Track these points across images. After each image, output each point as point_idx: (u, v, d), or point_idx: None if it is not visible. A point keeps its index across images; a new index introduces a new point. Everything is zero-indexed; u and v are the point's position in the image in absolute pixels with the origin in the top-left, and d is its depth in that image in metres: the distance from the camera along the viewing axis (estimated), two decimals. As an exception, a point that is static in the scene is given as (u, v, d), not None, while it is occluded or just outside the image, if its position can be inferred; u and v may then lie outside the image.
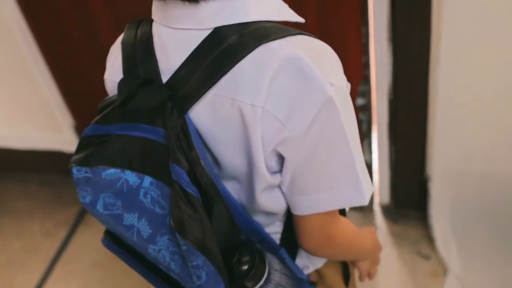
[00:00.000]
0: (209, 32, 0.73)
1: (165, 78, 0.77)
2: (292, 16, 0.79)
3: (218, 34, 0.73)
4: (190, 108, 0.74)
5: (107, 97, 0.83)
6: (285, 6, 0.80)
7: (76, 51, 2.07)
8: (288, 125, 0.71)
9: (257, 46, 0.71)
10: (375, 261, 1.14)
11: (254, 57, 0.71)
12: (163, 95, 0.73)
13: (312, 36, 0.76)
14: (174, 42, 0.76)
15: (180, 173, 0.70)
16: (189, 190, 0.70)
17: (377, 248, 1.11)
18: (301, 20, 0.79)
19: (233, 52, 0.71)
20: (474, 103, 1.68)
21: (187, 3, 0.73)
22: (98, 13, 1.90)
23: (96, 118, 0.80)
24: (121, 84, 0.78)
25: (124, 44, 0.84)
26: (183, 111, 0.74)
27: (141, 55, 0.80)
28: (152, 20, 0.81)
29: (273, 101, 0.70)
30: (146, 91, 0.75)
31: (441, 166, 1.83)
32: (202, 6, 0.72)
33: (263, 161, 0.75)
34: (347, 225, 0.91)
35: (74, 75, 2.16)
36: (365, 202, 0.78)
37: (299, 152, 0.74)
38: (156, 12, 0.79)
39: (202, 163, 0.72)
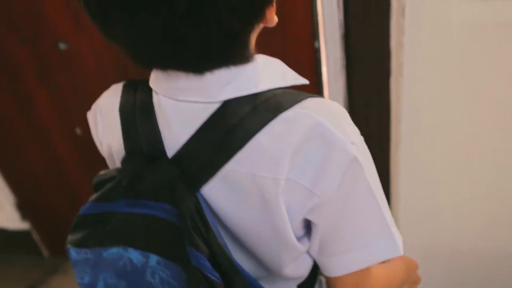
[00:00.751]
0: (217, 105, 0.70)
1: (170, 152, 0.73)
2: (296, 78, 0.77)
3: (229, 108, 0.70)
4: (202, 186, 0.71)
5: (103, 172, 0.79)
6: (288, 69, 0.78)
7: (14, 129, 1.94)
8: (317, 191, 0.70)
9: (272, 119, 0.69)
10: (415, 282, 1.07)
11: (271, 129, 0.69)
12: (172, 174, 0.70)
13: (317, 96, 0.74)
14: (178, 115, 0.73)
15: (200, 258, 0.67)
16: (211, 276, 0.67)
17: (411, 269, 1.04)
18: (305, 81, 0.77)
19: (247, 126, 0.69)
20: (437, 182, 1.61)
21: (191, 75, 0.70)
22: (34, 90, 1.78)
23: (95, 196, 0.76)
24: (126, 162, 0.74)
25: (122, 111, 0.79)
26: (195, 188, 0.71)
27: (143, 126, 0.76)
28: (148, 85, 0.78)
29: (297, 171, 0.69)
30: (154, 169, 0.71)
31: (407, 246, 1.73)
32: (208, 78, 0.70)
33: (291, 232, 0.73)
34: (378, 272, 0.85)
35: (13, 153, 2.03)
36: (401, 252, 0.76)
37: (329, 215, 0.73)
38: (157, 82, 0.75)
39: (220, 242, 0.70)
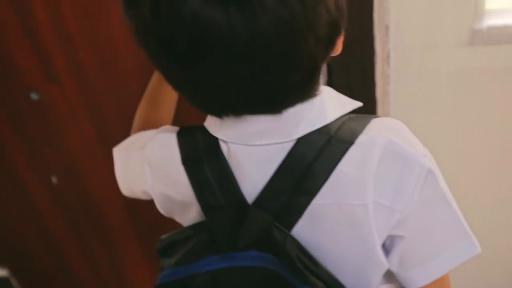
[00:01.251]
0: (292, 143, 0.71)
1: (249, 198, 0.73)
2: (352, 103, 0.78)
3: (305, 143, 0.71)
4: (294, 226, 0.72)
5: (168, 235, 0.78)
6: (341, 95, 0.79)
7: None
8: (398, 207, 0.71)
9: (349, 147, 0.70)
10: None
11: (350, 157, 0.70)
12: (267, 221, 0.70)
13: (377, 116, 0.76)
14: (253, 160, 0.73)
15: None
16: None
17: None
18: (359, 104, 0.78)
19: (327, 158, 0.70)
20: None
21: (268, 117, 0.70)
22: (6, 140, 1.70)
23: (174, 260, 0.74)
24: (213, 217, 0.72)
25: (188, 163, 0.78)
26: (288, 229, 0.72)
27: (216, 177, 0.75)
28: (207, 133, 0.77)
29: (380, 192, 0.70)
30: (248, 220, 0.70)
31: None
32: (285, 117, 0.70)
33: (380, 252, 0.74)
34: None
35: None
36: (479, 250, 0.78)
37: (411, 228, 0.74)
38: (223, 130, 0.74)
39: (328, 271, 0.71)
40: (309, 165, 0.70)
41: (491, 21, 1.39)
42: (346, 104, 0.78)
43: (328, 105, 0.74)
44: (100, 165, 1.72)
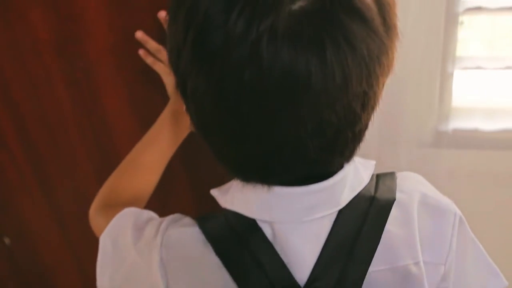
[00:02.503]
0: (335, 212, 0.67)
1: (300, 279, 0.66)
2: (367, 160, 0.74)
3: (350, 210, 0.67)
4: None
5: None
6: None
7: None
8: (441, 261, 0.70)
9: (391, 207, 0.68)
10: None
11: (394, 216, 0.68)
12: None
13: (394, 171, 0.75)
14: (302, 237, 0.66)
15: None
16: None
17: None
18: (373, 162, 0.75)
19: (374, 222, 0.67)
20: None
21: (320, 187, 0.64)
22: None
23: None
24: None
25: (223, 254, 0.67)
26: None
27: (261, 266, 0.66)
28: (236, 215, 0.68)
29: (425, 247, 0.69)
30: None
31: None
32: (333, 184, 0.65)
33: None
34: None
35: None
36: (507, 283, 0.77)
37: (452, 278, 0.72)
38: (264, 208, 0.66)
39: None
40: (358, 231, 0.66)
41: (457, 124, 1.31)
42: (365, 163, 0.74)
43: (358, 165, 0.71)
44: (49, 229, 1.67)
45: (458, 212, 0.72)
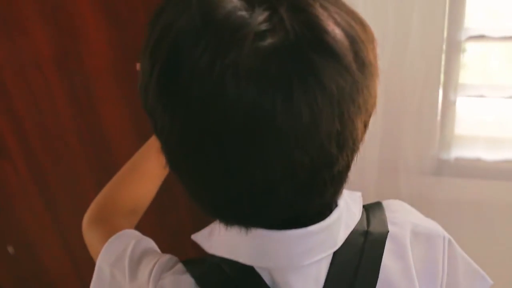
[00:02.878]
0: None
1: None
2: (353, 193, 0.71)
3: (346, 248, 0.64)
4: None
5: None
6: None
7: None
8: (436, 285, 0.69)
9: (385, 241, 0.66)
10: None
11: (389, 250, 0.66)
12: None
13: (378, 201, 0.73)
14: (301, 281, 0.62)
15: None
16: None
17: None
18: (359, 193, 0.72)
19: (370, 257, 0.65)
20: None
21: (317, 228, 0.60)
22: None
23: None
24: None
25: None
26: None
27: None
28: (231, 262, 0.63)
29: (421, 276, 0.67)
30: None
31: None
32: (329, 224, 0.61)
33: None
34: None
35: None
36: (491, 282, 0.77)
37: None
38: (261, 254, 0.61)
39: None
40: (356, 269, 0.64)
41: (459, 152, 1.27)
42: (352, 196, 0.71)
43: (347, 199, 0.67)
44: (50, 238, 1.69)
45: (446, 234, 0.71)
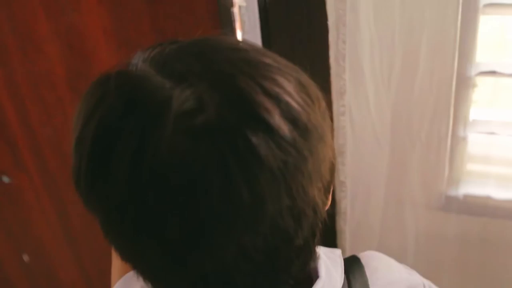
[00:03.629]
0: None
1: None
2: (332, 251, 0.67)
3: None
4: None
5: None
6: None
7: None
8: None
9: None
10: None
11: None
12: None
13: (356, 255, 0.71)
14: None
15: None
16: None
17: None
18: (338, 252, 0.67)
19: None
20: None
21: None
22: None
23: None
24: None
25: None
26: None
27: None
28: None
29: None
30: None
31: None
32: None
33: None
34: None
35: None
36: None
37: None
38: None
39: None
40: None
41: (469, 189, 1.23)
42: (331, 256, 0.65)
43: (327, 262, 0.62)
44: (62, 248, 1.71)
45: (426, 281, 0.71)
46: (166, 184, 0.43)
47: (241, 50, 0.49)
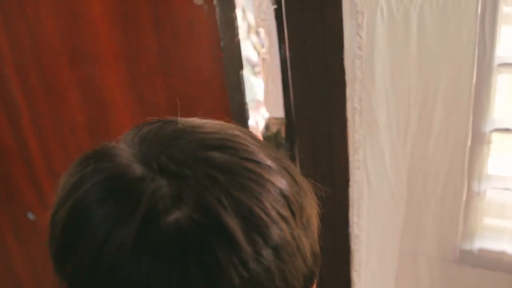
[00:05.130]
0: None
1: None
2: None
3: None
4: None
5: None
6: None
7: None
8: None
9: None
10: None
11: None
12: None
13: None
14: None
15: None
16: None
17: None
18: None
19: None
20: None
21: None
22: (9, 247, 1.73)
23: None
24: None
25: None
26: None
27: None
28: None
29: None
30: None
31: None
32: None
33: None
34: None
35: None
36: None
37: None
38: None
39: None
40: None
41: (484, 243, 1.19)
42: None
43: None
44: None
45: None
46: (124, 284, 0.42)
47: (228, 150, 0.47)
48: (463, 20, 0.98)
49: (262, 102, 2.27)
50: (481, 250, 1.19)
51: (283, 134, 1.21)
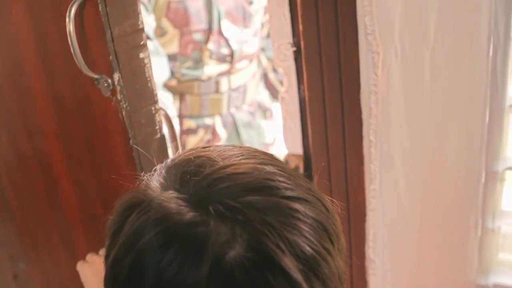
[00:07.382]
0: None
1: None
2: None
3: None
4: None
5: None
6: None
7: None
8: None
9: None
10: None
11: None
12: None
13: None
14: None
15: None
16: None
17: None
18: None
19: None
20: None
21: None
22: None
23: None
24: None
25: None
26: None
27: None
28: None
29: None
30: None
31: None
32: None
33: None
34: None
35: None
36: None
37: None
38: None
39: None
40: None
41: (499, 279, 1.18)
42: None
43: None
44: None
45: None
46: None
47: (269, 190, 0.50)
48: (475, 62, 0.99)
49: (271, 144, 2.30)
50: (496, 286, 1.17)
51: (301, 169, 1.22)
